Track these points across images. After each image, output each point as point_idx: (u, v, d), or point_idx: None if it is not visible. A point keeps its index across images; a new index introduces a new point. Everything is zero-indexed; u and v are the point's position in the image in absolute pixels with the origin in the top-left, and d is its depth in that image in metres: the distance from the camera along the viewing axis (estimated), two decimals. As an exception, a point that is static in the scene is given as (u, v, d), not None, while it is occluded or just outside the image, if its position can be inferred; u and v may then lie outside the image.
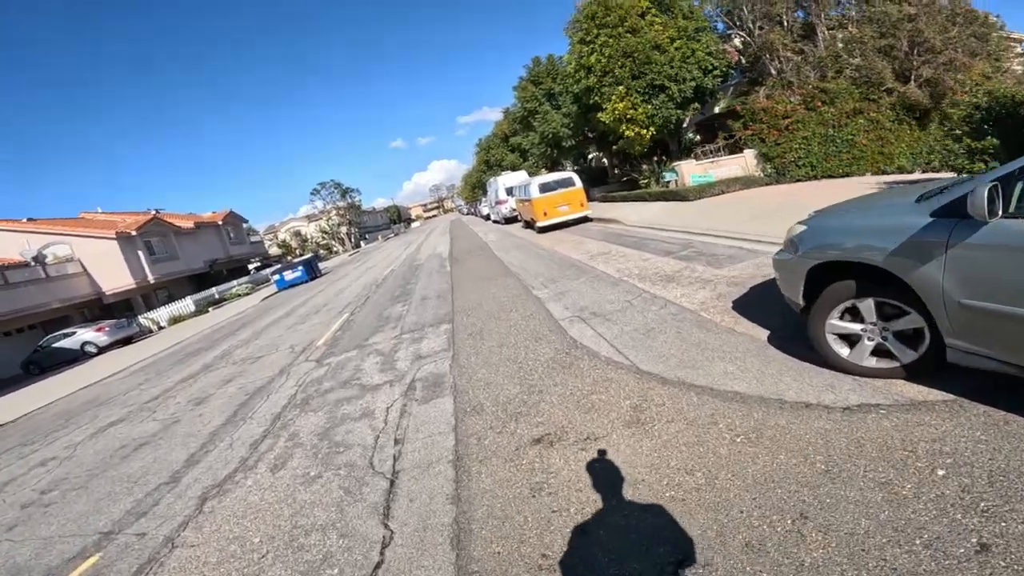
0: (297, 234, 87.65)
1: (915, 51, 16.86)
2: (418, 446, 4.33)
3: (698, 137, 22.79)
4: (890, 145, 16.77)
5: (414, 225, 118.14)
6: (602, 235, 13.80)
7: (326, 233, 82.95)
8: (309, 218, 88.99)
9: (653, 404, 4.00)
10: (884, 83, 16.85)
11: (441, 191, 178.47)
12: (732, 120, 18.20)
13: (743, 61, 19.10)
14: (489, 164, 47.85)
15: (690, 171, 17.37)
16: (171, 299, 31.20)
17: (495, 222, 30.18)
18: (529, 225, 19.84)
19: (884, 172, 16.78)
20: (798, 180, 16.71)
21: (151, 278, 30.01)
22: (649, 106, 16.97)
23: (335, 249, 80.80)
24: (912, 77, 17.08)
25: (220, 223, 40.09)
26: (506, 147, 43.35)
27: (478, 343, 6.68)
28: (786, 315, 4.67)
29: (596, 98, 18.13)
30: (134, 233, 29.48)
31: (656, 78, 16.59)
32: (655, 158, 18.69)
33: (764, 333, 4.72)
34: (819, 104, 16.40)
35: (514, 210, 24.86)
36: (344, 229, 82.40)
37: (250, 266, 48.39)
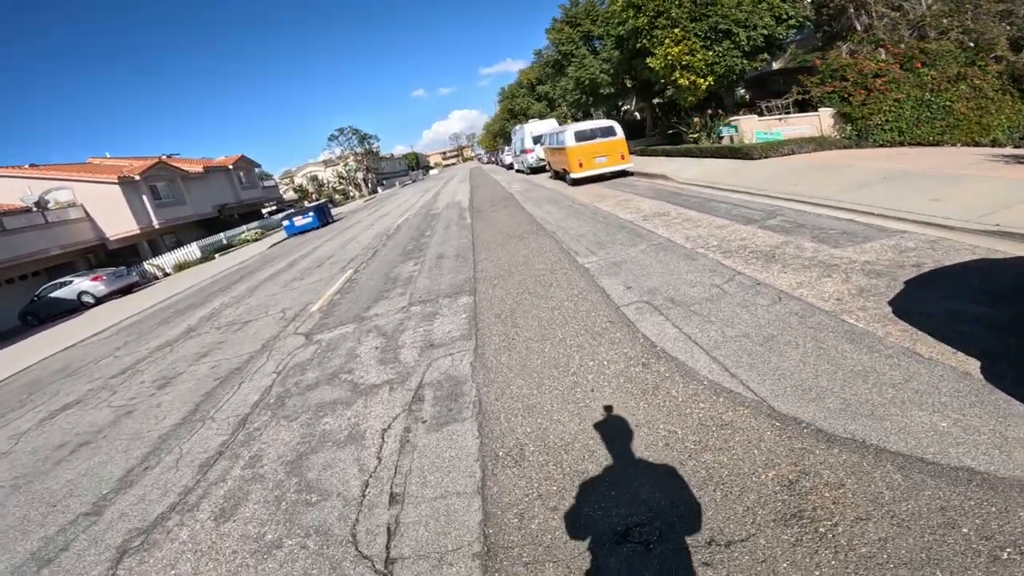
0: (314, 179, 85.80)
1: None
2: (425, 514, 2.80)
3: (747, 95, 20.09)
4: (989, 116, 14.26)
5: (432, 172, 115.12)
6: (652, 192, 11.84)
7: (343, 178, 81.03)
8: (326, 163, 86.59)
9: (821, 484, 2.38)
10: (995, 50, 14.15)
11: (461, 139, 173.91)
12: (805, 76, 15.64)
13: (824, 14, 16.18)
14: (513, 113, 44.64)
15: (752, 127, 15.00)
16: (179, 244, 29.90)
17: (519, 171, 28.00)
18: (560, 176, 17.79)
19: (977, 144, 14.38)
20: (881, 145, 14.37)
21: (156, 223, 28.68)
22: (710, 53, 14.49)
23: (352, 194, 79.08)
24: None
25: (231, 167, 38.41)
26: (532, 96, 40.19)
27: (510, 332, 5.05)
28: (998, 332, 2.94)
29: (644, 41, 15.61)
30: (137, 177, 27.95)
31: (721, 21, 14.03)
32: (708, 111, 16.28)
33: (972, 362, 3.00)
34: (918, 65, 13.84)
35: (541, 159, 22.67)
36: (360, 175, 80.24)
37: (264, 210, 47.05)
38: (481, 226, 12.25)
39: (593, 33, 21.55)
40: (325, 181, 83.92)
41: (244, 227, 34.13)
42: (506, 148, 38.99)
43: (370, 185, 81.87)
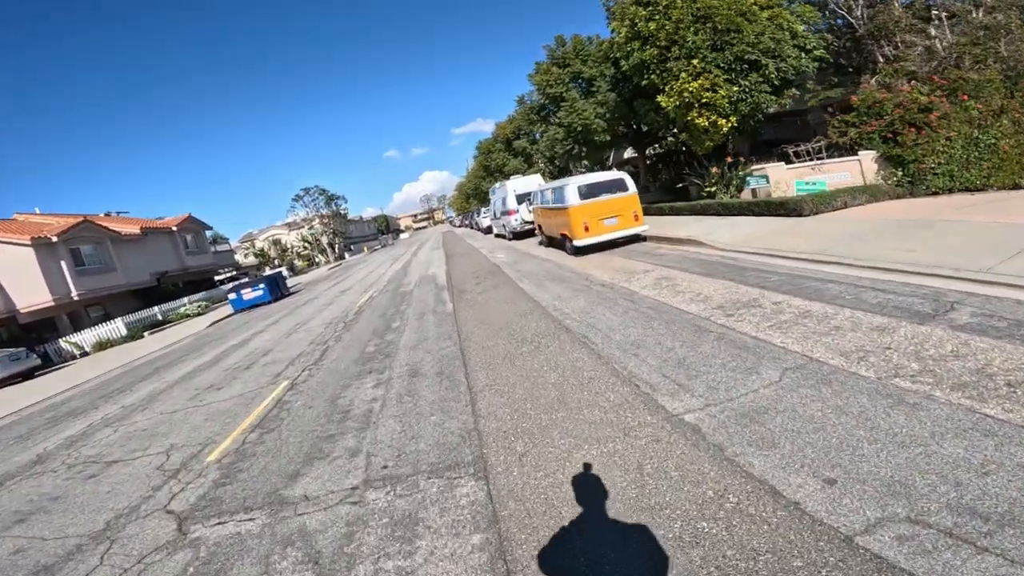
0: (276, 243, 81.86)
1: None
2: None
3: (758, 140, 18.40)
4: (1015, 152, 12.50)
5: (403, 236, 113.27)
6: (693, 264, 9.14)
7: (307, 243, 77.66)
8: (290, 226, 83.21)
9: None
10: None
11: (432, 201, 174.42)
12: (829, 116, 13.87)
13: (841, 46, 14.79)
14: (488, 170, 42.96)
15: (783, 177, 12.85)
16: (107, 317, 26.02)
17: (499, 236, 25.47)
18: (555, 243, 15.15)
19: (1017, 186, 12.53)
20: (934, 193, 12.35)
21: (75, 293, 24.74)
22: (735, 88, 12.62)
23: (317, 260, 75.56)
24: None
25: (175, 229, 34.74)
26: (508, 151, 38.69)
27: None
28: None
29: (653, 77, 13.67)
30: (55, 239, 24.15)
31: (748, 50, 12.25)
32: (728, 159, 14.25)
33: None
34: (964, 97, 12.07)
35: (527, 222, 20.17)
36: (326, 239, 77.09)
37: (218, 277, 42.99)
38: (468, 317, 9.23)
39: (583, 74, 19.80)
40: (289, 245, 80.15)
41: (186, 299, 30.21)
42: (482, 210, 36.80)
43: (337, 250, 78.60)
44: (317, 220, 76.14)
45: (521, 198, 20.57)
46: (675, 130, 15.52)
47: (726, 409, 3.78)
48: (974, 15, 12.98)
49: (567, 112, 19.16)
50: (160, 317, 26.97)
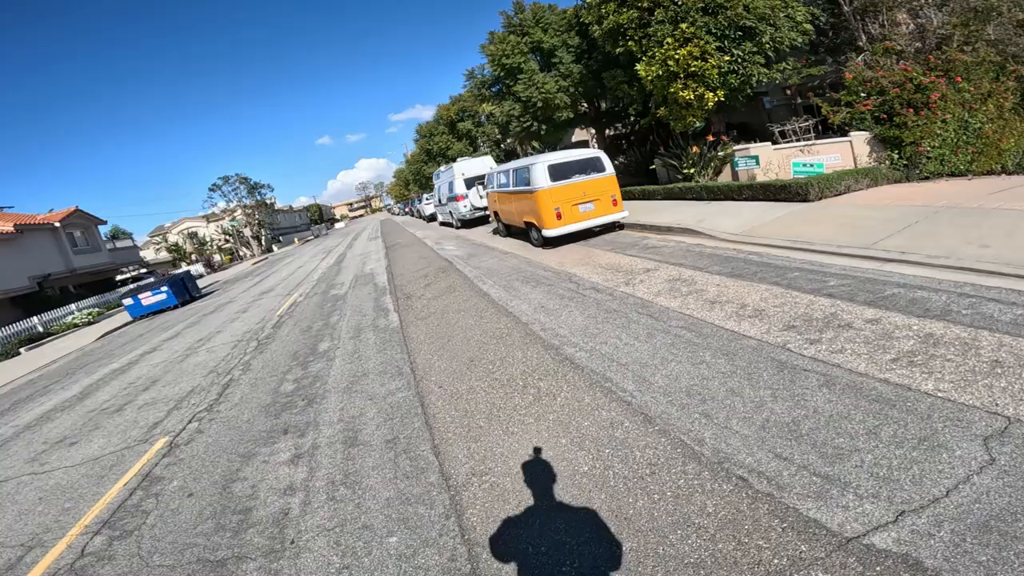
0: (192, 236, 74.18)
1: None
2: None
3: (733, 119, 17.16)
4: (1006, 138, 12.03)
5: (338, 226, 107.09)
6: (713, 262, 7.48)
7: (229, 235, 70.94)
8: (208, 218, 75.48)
9: None
10: (1020, 62, 12.15)
11: (369, 189, 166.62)
12: (811, 94, 12.75)
13: (824, 23, 13.66)
14: (431, 154, 40.06)
15: (777, 158, 11.52)
16: None
17: (445, 224, 23.18)
18: (515, 232, 13.21)
19: (991, 172, 12.07)
20: (926, 177, 11.54)
21: None
22: (726, 58, 11.11)
23: (242, 254, 69.34)
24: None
25: (58, 225, 29.68)
26: (452, 134, 36.12)
27: None
28: None
29: (630, 44, 11.95)
30: None
31: (743, 15, 10.74)
32: (708, 138, 12.82)
33: None
34: (958, 79, 11.28)
35: (478, 208, 18.06)
36: (250, 231, 70.80)
37: (120, 278, 37.79)
38: (421, 336, 7.15)
39: (544, 44, 17.50)
40: (208, 239, 72.90)
41: (74, 306, 25.76)
42: (425, 196, 34.10)
43: (264, 242, 72.48)
44: (239, 211, 69.66)
45: (470, 182, 18.39)
46: (650, 106, 13.89)
47: (937, 520, 2.03)
48: None
49: (525, 85, 17.03)
50: (41, 329, 22.47)
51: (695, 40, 10.88)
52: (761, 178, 11.63)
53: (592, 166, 10.47)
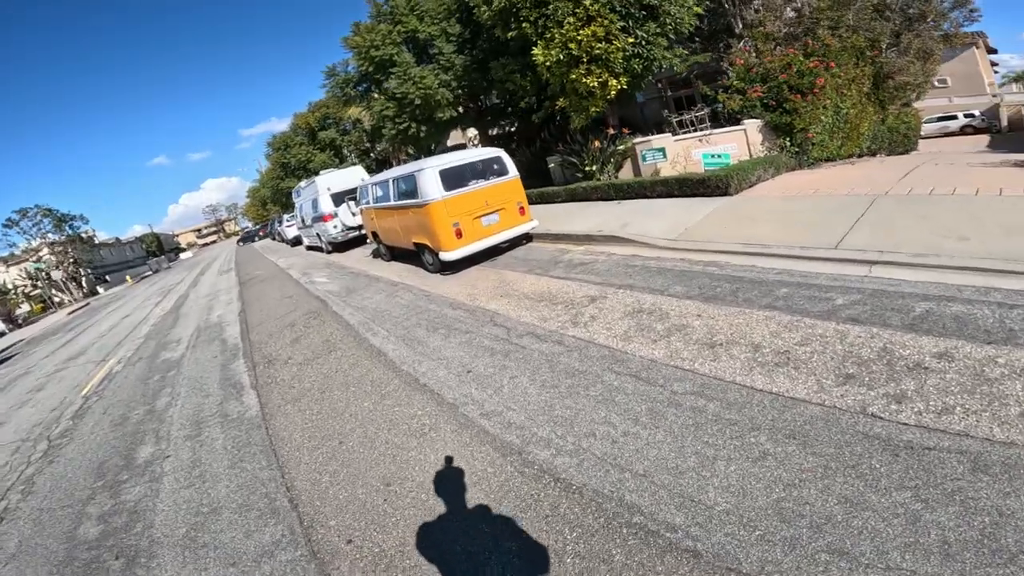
0: None
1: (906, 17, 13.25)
2: None
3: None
4: (863, 123, 12.75)
5: (185, 256, 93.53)
6: (666, 280, 6.07)
7: (33, 280, 57.53)
8: (7, 261, 60.48)
9: None
10: (878, 47, 12.84)
11: (220, 212, 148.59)
12: (700, 82, 12.35)
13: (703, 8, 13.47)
14: (288, 169, 35.21)
15: (678, 149, 10.69)
16: None
17: (313, 249, 19.91)
18: (399, 255, 10.97)
19: (852, 156, 12.76)
20: (813, 163, 11.57)
21: None
22: (630, 39, 9.99)
23: (57, 300, 56.76)
24: (900, 45, 13.37)
25: None
26: (313, 145, 32.07)
27: None
28: None
29: (524, 26, 10.45)
30: None
31: None
32: (609, 131, 11.74)
33: None
34: (831, 64, 11.38)
35: (351, 228, 15.36)
36: (59, 273, 58.09)
37: None
38: (299, 436, 4.79)
39: (420, 34, 15.09)
40: (10, 285, 58.36)
41: None
42: (286, 217, 29.76)
43: (85, 284, 60.10)
44: (45, 249, 56.94)
45: (339, 197, 15.57)
46: (544, 98, 12.44)
47: None
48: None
49: (400, 80, 14.62)
50: None
51: (599, 19, 9.65)
52: (667, 172, 10.79)
53: (492, 168, 8.70)
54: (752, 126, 11.31)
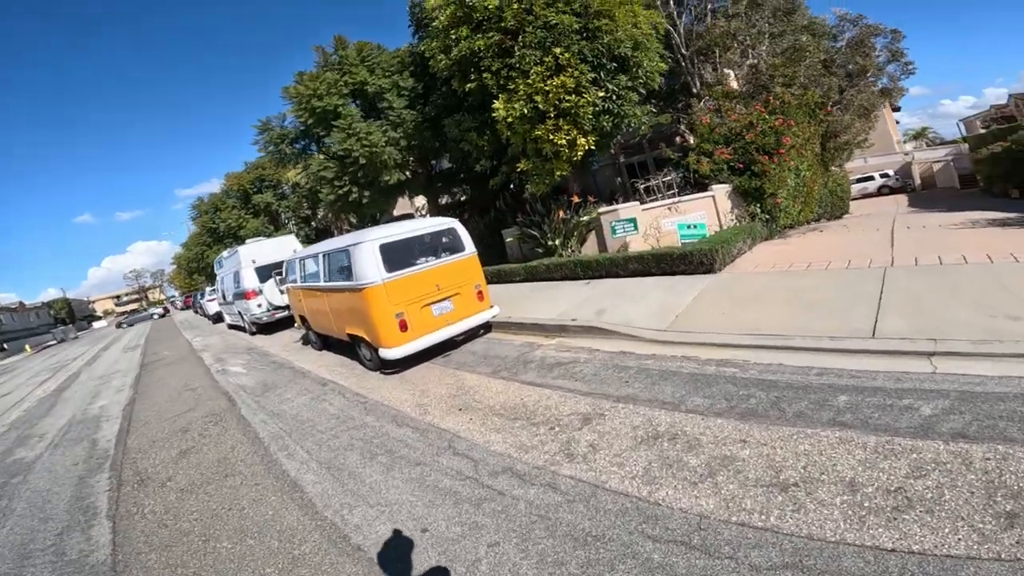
0: None
1: (847, 73, 13.58)
2: None
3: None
4: (814, 186, 12.60)
5: (98, 324, 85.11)
6: (687, 390, 4.79)
7: None
8: None
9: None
10: (828, 102, 12.92)
11: (144, 278, 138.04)
12: (664, 145, 11.84)
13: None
14: (217, 235, 32.31)
15: (647, 220, 9.80)
16: None
17: (235, 328, 17.53)
18: (332, 343, 9.17)
19: (807, 222, 12.56)
20: (780, 231, 11.08)
21: None
22: (600, 93, 9.16)
23: None
24: (843, 102, 13.60)
25: None
26: (246, 209, 29.71)
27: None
28: None
29: (485, 76, 9.59)
30: None
31: (621, 42, 9.01)
32: (573, 199, 10.72)
33: None
34: (791, 122, 11.11)
35: (280, 308, 13.35)
36: None
37: None
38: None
39: (368, 87, 13.65)
40: None
41: None
42: (209, 290, 26.88)
43: None
44: None
45: (265, 271, 13.61)
46: (503, 161, 11.35)
47: None
48: (784, 37, 12.65)
49: (344, 135, 13.06)
50: None
51: (569, 69, 8.81)
52: (637, 246, 9.85)
53: (444, 243, 7.36)
54: (720, 191, 10.73)
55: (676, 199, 10.52)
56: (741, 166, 10.58)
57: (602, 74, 9.38)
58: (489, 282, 8.42)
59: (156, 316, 55.54)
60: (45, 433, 8.88)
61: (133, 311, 55.89)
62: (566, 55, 9.05)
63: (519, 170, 10.14)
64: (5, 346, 56.70)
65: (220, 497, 4.50)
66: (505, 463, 3.99)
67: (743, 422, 3.77)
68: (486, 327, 8.00)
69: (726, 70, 13.36)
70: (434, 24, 10.61)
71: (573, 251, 10.89)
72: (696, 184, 11.24)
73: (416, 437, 4.86)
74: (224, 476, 4.94)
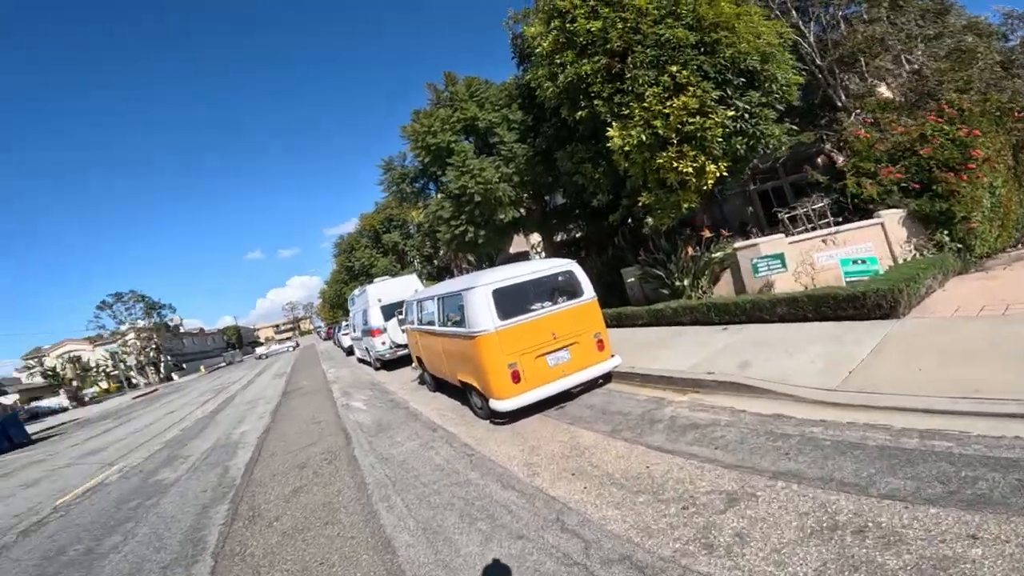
0: (75, 361, 62.93)
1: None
2: None
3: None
4: (1011, 205, 9.93)
5: (260, 351, 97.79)
6: (886, 474, 3.70)
7: (120, 360, 60.93)
8: (94, 341, 64.60)
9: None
10: (1015, 108, 10.46)
11: (298, 310, 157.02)
12: (809, 168, 10.34)
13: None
14: (353, 272, 35.52)
15: (799, 254, 8.41)
16: None
17: (363, 362, 18.54)
18: (446, 385, 8.97)
19: (1004, 249, 9.85)
20: (977, 262, 8.89)
21: None
22: (729, 112, 8.02)
23: (135, 381, 59.68)
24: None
25: None
26: (376, 248, 32.27)
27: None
28: None
29: (597, 103, 9.05)
30: None
31: (746, 53, 8.03)
32: (703, 233, 9.68)
33: None
34: (975, 132, 9.00)
35: (402, 346, 13.73)
36: (133, 358, 61.44)
37: None
38: None
39: (479, 122, 13.61)
40: (94, 363, 62.29)
41: None
42: (344, 324, 29.30)
43: (163, 369, 63.15)
44: (132, 333, 60.90)
45: (389, 310, 14.19)
46: (622, 193, 10.66)
47: None
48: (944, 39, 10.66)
49: (458, 173, 13.10)
50: None
51: (690, 88, 7.98)
52: (784, 286, 8.44)
53: (562, 286, 6.80)
54: (891, 217, 8.94)
55: (832, 229, 8.93)
56: (917, 186, 8.72)
57: (729, 91, 8.28)
58: (608, 326, 7.67)
59: (290, 349, 62.25)
60: (190, 455, 9.83)
61: (282, 339, 64.32)
62: (684, 73, 8.12)
63: (641, 204, 9.30)
64: (184, 366, 67.53)
65: (316, 547, 4.40)
66: (623, 549, 3.26)
67: (970, 512, 2.70)
68: (606, 376, 7.23)
69: (875, 79, 11.49)
70: (537, 52, 10.34)
71: (704, 292, 9.70)
72: (855, 210, 9.50)
73: (521, 503, 4.27)
74: (325, 523, 4.86)
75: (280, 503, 5.72)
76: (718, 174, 8.25)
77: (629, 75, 8.51)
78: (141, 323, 62.22)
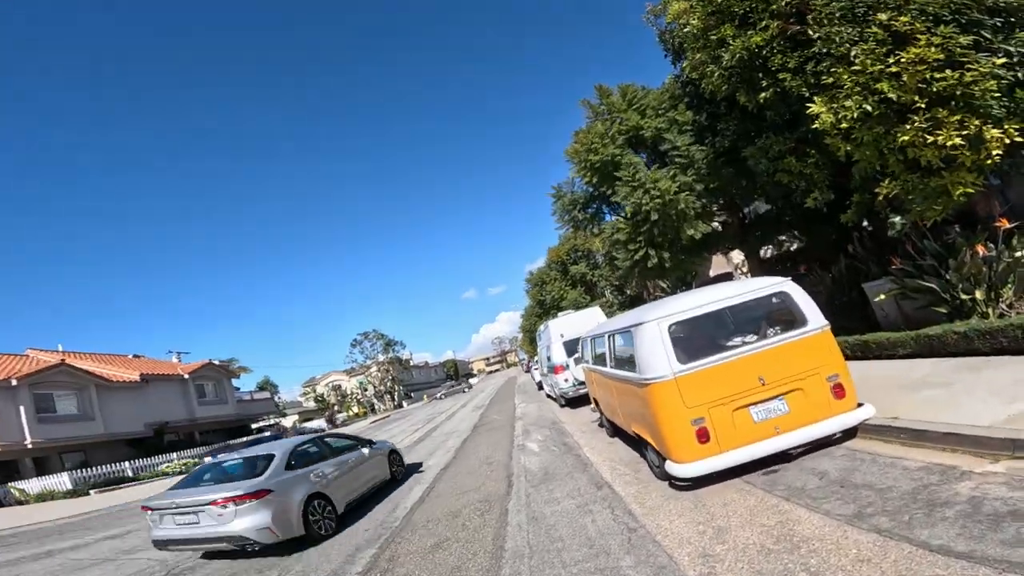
0: (336, 388, 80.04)
1: None
2: None
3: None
4: None
5: (473, 381, 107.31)
6: None
7: (364, 390, 74.75)
8: (350, 372, 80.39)
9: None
10: None
11: (504, 344, 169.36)
12: None
13: None
14: (544, 306, 36.10)
15: None
16: (85, 465, 23.86)
17: (550, 397, 18.03)
18: (621, 431, 7.59)
19: None
20: None
21: (29, 441, 22.71)
22: (995, 60, 5.43)
23: (376, 408, 71.59)
24: None
25: (187, 376, 31.56)
26: (564, 281, 32.25)
27: None
28: None
29: (784, 79, 7.06)
30: (15, 383, 22.54)
31: None
32: (1000, 224, 6.78)
33: None
34: None
35: (582, 384, 12.60)
36: (371, 388, 73.94)
37: (256, 425, 39.53)
38: None
39: (644, 131, 12.22)
40: (349, 392, 77.06)
41: (175, 455, 26.18)
42: (535, 359, 29.73)
43: (396, 398, 74.31)
44: (374, 367, 73.00)
45: (573, 346, 13.32)
46: (851, 186, 8.02)
47: None
48: None
49: (628, 188, 11.71)
50: (130, 473, 23.70)
51: (920, 37, 5.57)
52: None
53: (772, 314, 5.04)
54: None
55: None
56: None
57: (986, 33, 5.58)
58: (848, 358, 5.44)
59: (465, 389, 66.48)
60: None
61: (451, 385, 71.67)
62: (902, 19, 5.70)
63: (882, 196, 6.62)
64: (412, 395, 77.88)
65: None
66: None
67: None
68: (847, 431, 5.07)
69: None
70: (687, 33, 8.71)
71: (1011, 307, 6.53)
72: None
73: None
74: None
75: (417, 558, 5.29)
76: (1007, 141, 5.43)
77: (817, 36, 6.42)
78: (381, 357, 73.87)
